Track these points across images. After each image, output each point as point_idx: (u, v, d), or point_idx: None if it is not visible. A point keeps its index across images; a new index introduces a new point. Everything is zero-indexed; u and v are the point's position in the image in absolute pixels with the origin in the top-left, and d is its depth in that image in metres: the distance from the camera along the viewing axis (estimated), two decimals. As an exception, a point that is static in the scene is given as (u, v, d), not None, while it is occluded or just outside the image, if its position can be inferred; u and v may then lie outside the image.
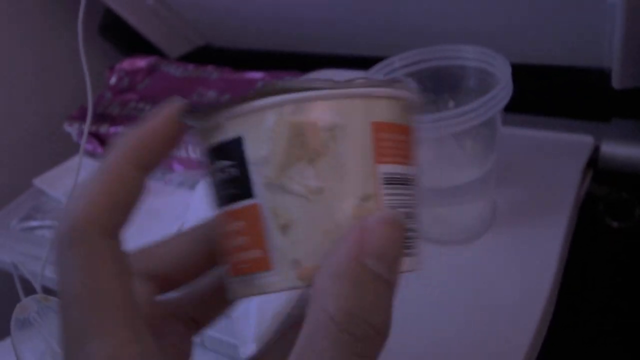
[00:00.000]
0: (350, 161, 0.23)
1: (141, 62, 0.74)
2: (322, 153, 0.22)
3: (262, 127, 0.22)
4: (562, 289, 0.47)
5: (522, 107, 0.60)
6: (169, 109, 0.23)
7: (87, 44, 0.62)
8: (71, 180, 0.57)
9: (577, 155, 0.54)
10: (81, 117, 0.65)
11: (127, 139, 0.23)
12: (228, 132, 0.23)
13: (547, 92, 0.61)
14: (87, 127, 0.58)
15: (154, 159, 0.23)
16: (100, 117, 0.66)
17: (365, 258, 0.21)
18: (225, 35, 0.81)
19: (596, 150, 0.55)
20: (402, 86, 0.24)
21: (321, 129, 0.22)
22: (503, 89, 0.42)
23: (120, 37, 0.82)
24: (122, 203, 0.22)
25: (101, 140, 0.65)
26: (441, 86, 0.49)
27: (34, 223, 0.58)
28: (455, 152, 0.46)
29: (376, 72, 0.48)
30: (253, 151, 0.22)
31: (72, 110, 0.68)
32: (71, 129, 0.66)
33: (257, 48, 0.78)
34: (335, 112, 0.22)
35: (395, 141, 0.24)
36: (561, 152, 0.54)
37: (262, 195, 0.23)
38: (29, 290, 0.56)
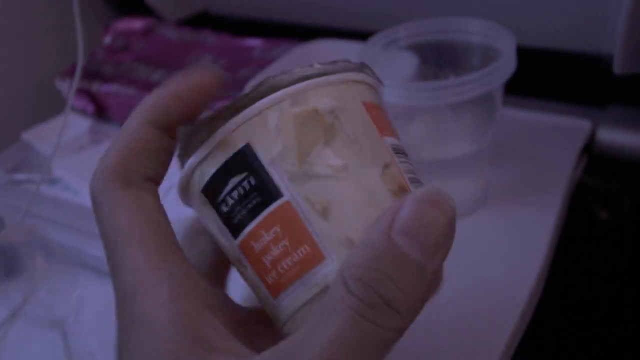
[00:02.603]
0: (361, 137, 0.24)
1: (137, 23, 0.72)
2: (333, 133, 0.23)
3: (268, 126, 0.23)
4: (549, 276, 0.46)
5: (520, 90, 0.59)
6: (201, 76, 0.24)
7: (84, 2, 0.61)
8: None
9: (573, 139, 0.53)
10: (73, 74, 0.63)
11: (147, 99, 0.24)
12: (233, 145, 0.23)
13: (545, 75, 0.61)
14: (75, 82, 0.57)
15: (173, 121, 0.24)
16: (92, 75, 0.65)
17: (394, 234, 0.20)
18: (223, 1, 0.80)
19: (592, 135, 0.54)
20: (370, 72, 0.26)
21: (323, 113, 0.23)
22: (505, 63, 0.41)
23: (118, -3, 0.81)
24: (147, 155, 0.23)
25: (92, 97, 0.64)
26: (444, 60, 0.48)
27: (19, 176, 0.57)
28: (452, 124, 0.45)
29: (379, 40, 0.47)
30: (266, 152, 0.22)
31: (66, 66, 0.66)
32: (63, 85, 0.65)
33: (255, 16, 0.77)
34: (330, 97, 0.23)
35: (383, 118, 0.25)
36: (557, 136, 0.54)
37: (289, 189, 0.22)
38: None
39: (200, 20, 0.81)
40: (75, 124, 0.62)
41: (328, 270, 0.22)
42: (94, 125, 0.63)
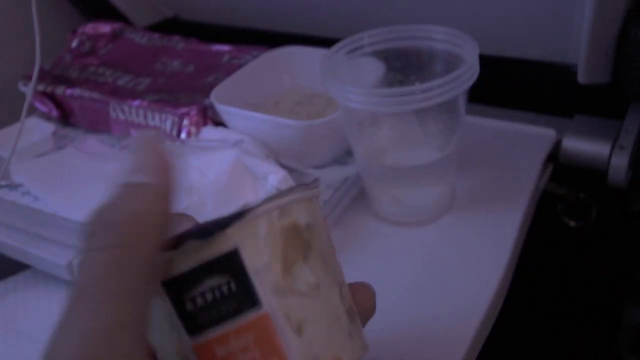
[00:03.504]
0: (327, 256, 0.25)
1: (105, 27, 0.71)
2: (310, 251, 0.24)
3: (257, 235, 0.23)
4: (515, 282, 0.46)
5: (486, 99, 0.60)
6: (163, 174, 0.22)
7: (52, 6, 0.60)
8: (20, 140, 0.55)
9: (539, 148, 0.54)
10: (37, 78, 0.62)
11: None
12: (221, 246, 0.22)
13: (512, 84, 0.61)
14: (32, 86, 0.56)
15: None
16: (58, 79, 0.64)
17: None
18: (194, 8, 0.79)
19: (558, 144, 0.55)
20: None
21: (302, 229, 0.24)
22: (468, 70, 0.41)
23: (87, 1, 0.80)
24: None
25: (57, 102, 0.63)
26: (409, 67, 0.48)
27: (-22, 181, 0.56)
28: (416, 131, 0.45)
29: (343, 47, 0.47)
30: (253, 260, 0.22)
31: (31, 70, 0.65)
32: (26, 89, 0.64)
33: (225, 23, 0.77)
34: (307, 211, 0.25)
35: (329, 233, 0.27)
36: (523, 144, 0.54)
37: (270, 302, 0.22)
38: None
39: (170, 27, 0.80)
40: (39, 129, 0.61)
41: None
42: (58, 130, 0.62)
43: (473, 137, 0.54)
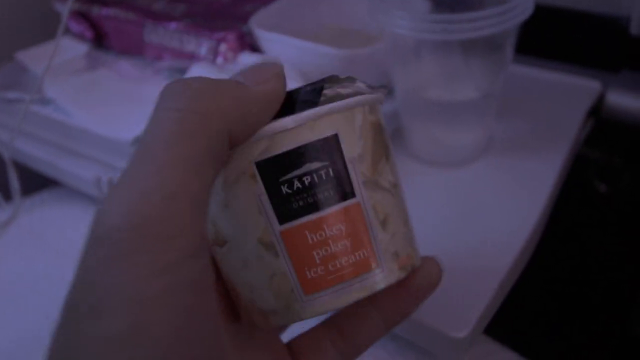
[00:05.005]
0: (396, 160, 0.25)
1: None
2: (389, 152, 0.24)
3: (354, 124, 0.22)
4: (541, 242, 0.45)
5: (534, 50, 0.58)
6: (277, 74, 0.22)
7: None
8: (54, 58, 0.54)
9: (582, 99, 0.52)
10: (73, -3, 0.61)
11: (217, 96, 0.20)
12: (320, 130, 0.22)
13: (559, 36, 0.59)
14: (69, 4, 0.55)
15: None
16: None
17: None
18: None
19: (601, 97, 0.53)
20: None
21: (383, 128, 0.24)
22: (520, 5, 0.39)
23: None
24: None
25: (92, 23, 0.62)
26: (457, 7, 0.46)
27: (11, 95, 0.55)
28: (460, 67, 0.43)
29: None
30: (349, 149, 0.22)
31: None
32: (62, 7, 0.63)
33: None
34: (381, 114, 0.25)
35: None
36: (567, 94, 0.53)
37: (361, 193, 0.22)
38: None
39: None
40: (72, 48, 0.60)
41: (378, 278, 0.22)
42: (91, 51, 0.61)
43: (516, 85, 0.52)
